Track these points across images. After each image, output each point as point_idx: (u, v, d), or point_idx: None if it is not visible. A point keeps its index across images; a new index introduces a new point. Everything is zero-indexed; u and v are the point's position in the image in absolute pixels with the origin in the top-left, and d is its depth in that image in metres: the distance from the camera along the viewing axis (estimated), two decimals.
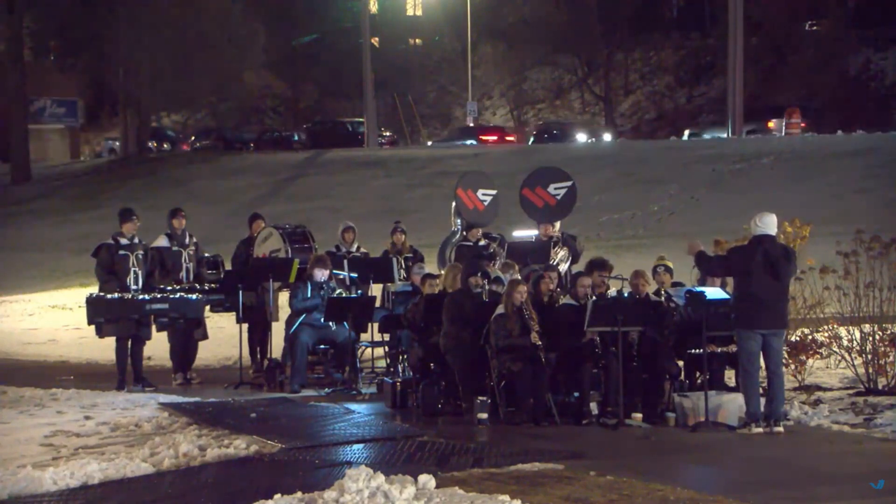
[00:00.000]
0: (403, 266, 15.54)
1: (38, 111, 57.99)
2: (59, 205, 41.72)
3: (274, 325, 15.14)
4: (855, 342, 13.30)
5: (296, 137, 60.59)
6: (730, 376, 12.90)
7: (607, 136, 55.26)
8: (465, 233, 15.80)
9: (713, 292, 12.10)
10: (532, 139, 54.65)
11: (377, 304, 14.98)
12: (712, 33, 61.46)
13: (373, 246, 16.95)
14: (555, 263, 14.67)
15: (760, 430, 11.28)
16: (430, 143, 59.69)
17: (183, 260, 15.09)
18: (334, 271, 14.98)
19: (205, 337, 15.27)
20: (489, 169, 31.72)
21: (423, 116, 66.31)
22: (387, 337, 14.89)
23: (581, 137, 53.59)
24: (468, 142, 52.41)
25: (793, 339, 13.41)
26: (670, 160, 37.88)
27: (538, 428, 11.69)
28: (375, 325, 14.80)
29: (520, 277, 13.31)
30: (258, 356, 15.41)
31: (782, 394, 11.61)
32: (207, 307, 15.14)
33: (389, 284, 15.57)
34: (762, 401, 11.46)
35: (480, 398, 11.93)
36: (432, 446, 10.64)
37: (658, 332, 12.39)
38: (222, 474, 9.69)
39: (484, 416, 11.82)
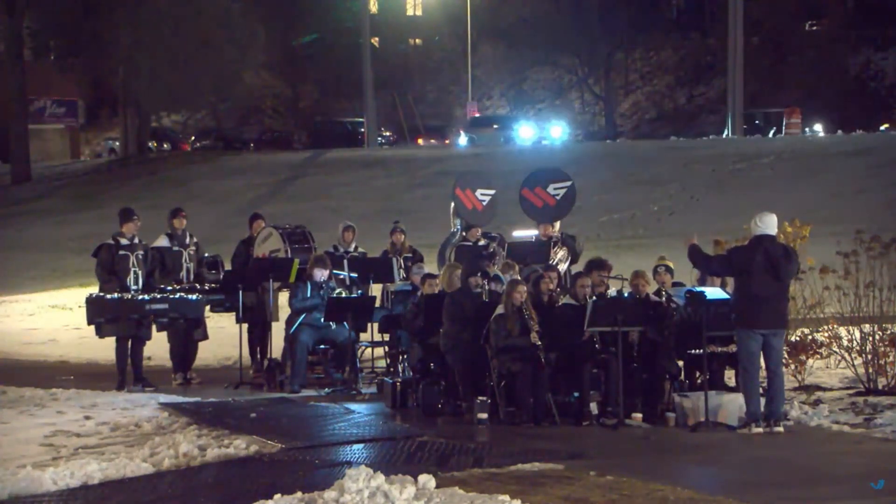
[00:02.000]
0: (403, 266, 15.53)
1: (38, 111, 57.99)
2: (59, 205, 41.72)
3: (274, 325, 15.13)
4: (855, 342, 13.29)
5: (296, 137, 60.64)
6: (730, 376, 12.90)
7: (818, 128, 49.63)
8: (464, 233, 15.80)
9: (713, 292, 12.11)
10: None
11: (377, 304, 14.98)
12: (712, 33, 61.53)
13: (372, 246, 16.96)
14: (554, 263, 14.67)
15: (760, 430, 11.27)
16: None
17: (183, 260, 15.09)
18: (334, 271, 14.97)
19: (205, 337, 15.26)
20: (489, 169, 31.78)
21: (423, 116, 66.32)
22: (387, 337, 14.88)
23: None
24: None
25: (793, 339, 13.40)
26: (670, 160, 37.90)
27: (538, 428, 11.69)
28: (375, 325, 14.81)
29: (520, 277, 13.31)
30: (258, 356, 15.40)
31: (782, 394, 11.61)
32: (207, 307, 15.14)
33: (389, 284, 15.57)
34: (762, 401, 11.46)
35: (480, 398, 11.93)
36: (432, 446, 10.63)
37: (658, 332, 12.38)
38: (222, 474, 9.69)
39: (484, 416, 11.82)
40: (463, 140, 54.79)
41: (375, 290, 15.60)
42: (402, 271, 15.44)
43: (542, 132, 55.49)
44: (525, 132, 54.56)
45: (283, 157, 49.05)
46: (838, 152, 35.89)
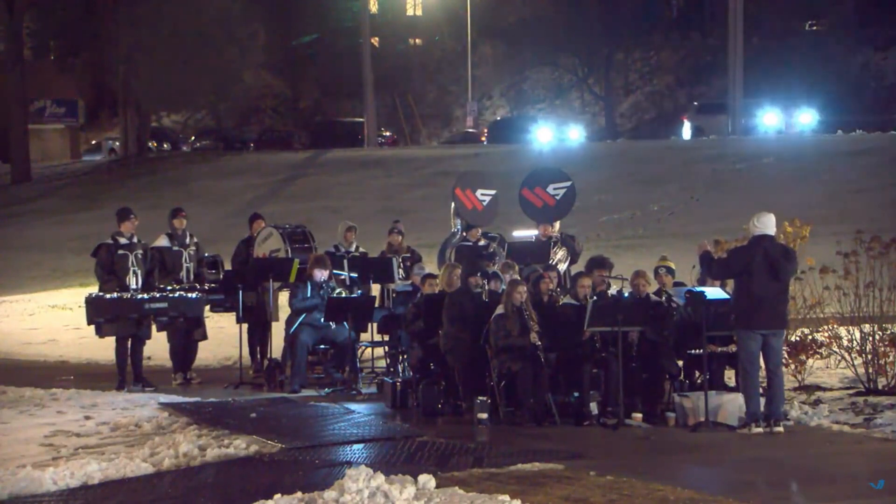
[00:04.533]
0: (402, 266, 15.53)
1: (38, 111, 58.01)
2: (59, 205, 41.71)
3: (274, 325, 15.14)
4: (855, 342, 13.30)
5: (296, 137, 60.59)
6: (730, 376, 12.91)
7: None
8: (464, 233, 15.80)
9: (713, 292, 12.11)
10: None
11: (377, 304, 14.98)
12: (712, 33, 61.50)
13: (372, 246, 16.96)
14: (554, 263, 14.68)
15: (760, 430, 11.28)
16: None
17: (183, 260, 15.09)
18: (334, 271, 14.98)
19: (204, 337, 15.26)
20: (489, 169, 31.76)
21: (423, 116, 66.32)
22: (387, 337, 14.89)
23: None
24: None
25: (793, 339, 13.41)
26: (670, 160, 37.88)
27: (538, 428, 11.69)
28: (375, 325, 14.81)
29: (520, 277, 13.31)
30: (258, 356, 15.41)
31: (782, 394, 11.62)
32: (207, 307, 15.14)
33: (389, 284, 15.57)
34: (762, 401, 11.47)
35: (480, 398, 11.93)
36: (432, 446, 10.64)
37: (658, 332, 12.39)
38: (222, 474, 9.69)
39: (484, 416, 11.82)
40: (687, 131, 48.21)
41: (375, 290, 15.60)
42: (401, 271, 15.44)
43: (789, 119, 48.10)
44: (770, 120, 47.62)
45: (283, 157, 49.01)
46: (838, 152, 35.88)
